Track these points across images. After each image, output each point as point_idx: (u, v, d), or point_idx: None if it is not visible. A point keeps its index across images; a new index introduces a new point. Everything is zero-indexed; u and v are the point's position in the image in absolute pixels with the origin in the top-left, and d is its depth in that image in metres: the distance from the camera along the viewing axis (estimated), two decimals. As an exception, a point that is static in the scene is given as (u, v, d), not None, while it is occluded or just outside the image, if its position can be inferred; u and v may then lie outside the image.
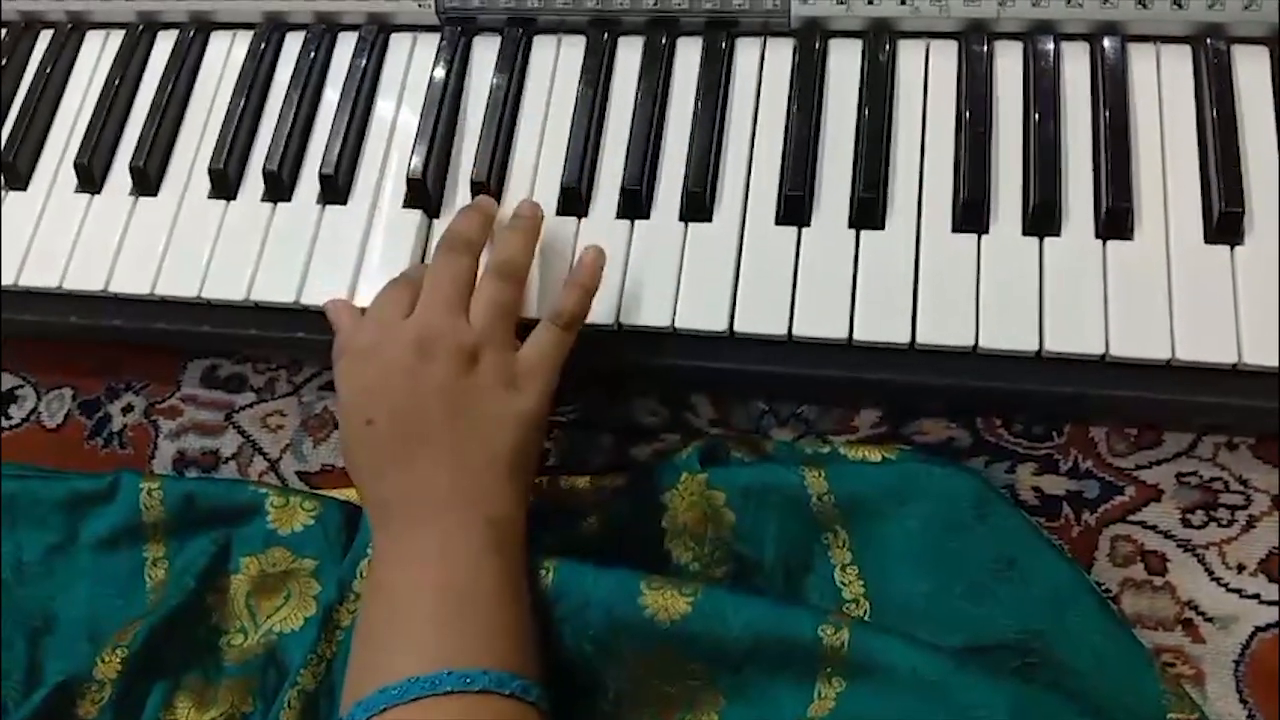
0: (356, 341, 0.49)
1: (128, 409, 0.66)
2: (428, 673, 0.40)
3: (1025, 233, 0.52)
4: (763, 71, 0.58)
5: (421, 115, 0.59)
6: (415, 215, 0.57)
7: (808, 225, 0.54)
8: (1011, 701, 0.40)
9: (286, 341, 0.58)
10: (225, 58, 0.64)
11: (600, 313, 0.53)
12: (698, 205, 0.55)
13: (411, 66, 0.62)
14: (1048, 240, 0.52)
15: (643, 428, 0.60)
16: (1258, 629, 0.52)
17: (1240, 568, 0.53)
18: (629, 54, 0.59)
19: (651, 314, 0.53)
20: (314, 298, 0.56)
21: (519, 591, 0.45)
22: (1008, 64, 0.56)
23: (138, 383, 0.66)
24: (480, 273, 0.51)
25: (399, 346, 0.47)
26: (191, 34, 0.64)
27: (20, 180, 0.63)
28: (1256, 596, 0.52)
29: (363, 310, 0.52)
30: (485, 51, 0.61)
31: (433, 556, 0.44)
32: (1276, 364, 0.48)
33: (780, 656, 0.44)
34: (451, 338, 0.47)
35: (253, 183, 0.60)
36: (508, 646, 0.43)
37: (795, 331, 0.52)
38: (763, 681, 0.44)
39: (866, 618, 0.49)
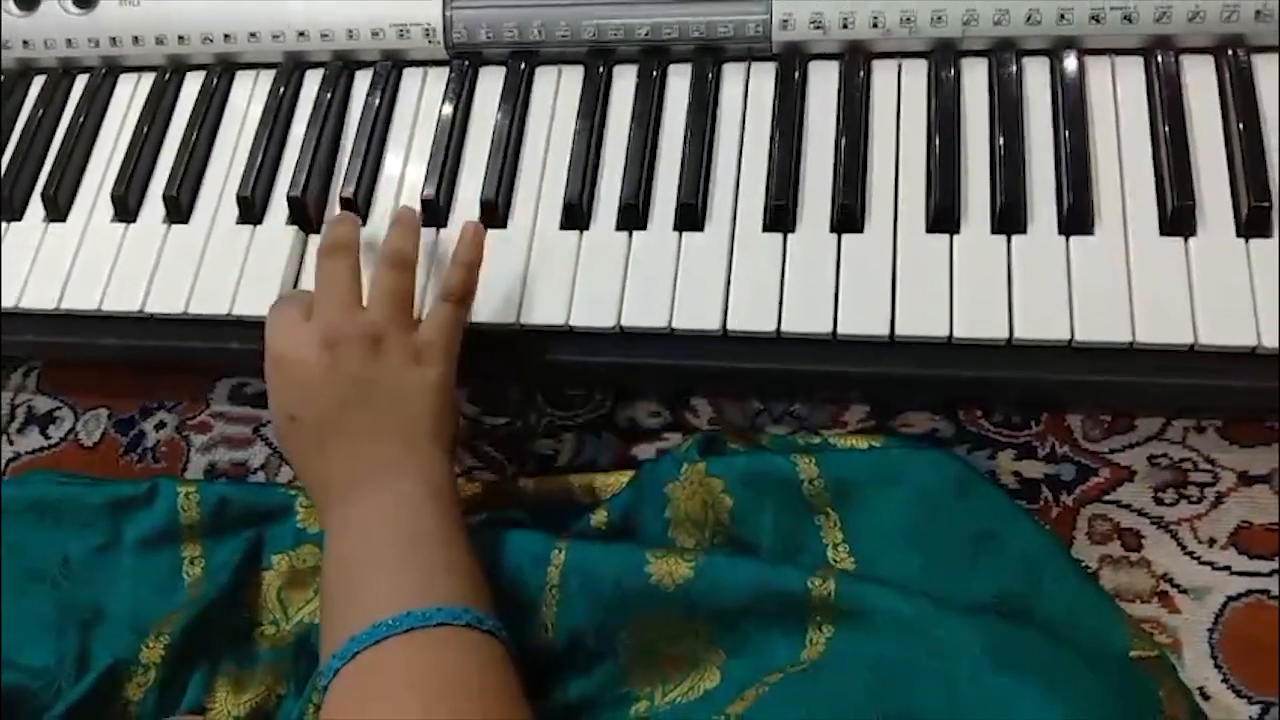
0: (270, 349, 0.53)
1: (160, 425, 0.70)
2: (389, 615, 0.43)
3: (994, 231, 0.55)
4: (748, 93, 0.62)
5: (433, 142, 0.63)
6: (428, 232, 0.61)
7: (793, 231, 0.57)
8: (984, 634, 0.43)
9: (310, 354, 0.62)
10: (250, 95, 0.68)
11: (602, 317, 0.57)
12: (690, 216, 0.58)
13: (423, 98, 0.66)
14: (1015, 238, 0.55)
15: (645, 428, 0.64)
16: (1230, 599, 0.55)
17: (1211, 541, 0.56)
18: (624, 81, 0.63)
19: (650, 316, 0.56)
20: (337, 311, 0.60)
21: (460, 533, 0.49)
22: (974, 79, 0.59)
23: (170, 402, 0.70)
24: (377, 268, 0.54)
25: (307, 346, 0.51)
26: (218, 75, 0.69)
27: (60, 212, 0.67)
28: (1227, 568, 0.55)
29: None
30: (491, 82, 0.65)
31: (374, 515, 0.48)
32: (1231, 344, 0.51)
33: (775, 609, 0.47)
34: (353, 329, 0.51)
35: (278, 208, 0.64)
36: (459, 583, 0.46)
37: (784, 328, 0.55)
38: (760, 635, 0.47)
39: None
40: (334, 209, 0.63)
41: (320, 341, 0.51)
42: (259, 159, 0.65)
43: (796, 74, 0.61)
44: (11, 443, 0.71)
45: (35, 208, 0.68)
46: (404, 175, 0.64)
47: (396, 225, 0.57)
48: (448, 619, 0.44)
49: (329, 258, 0.54)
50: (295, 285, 0.62)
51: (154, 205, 0.66)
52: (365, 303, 0.53)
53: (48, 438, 0.71)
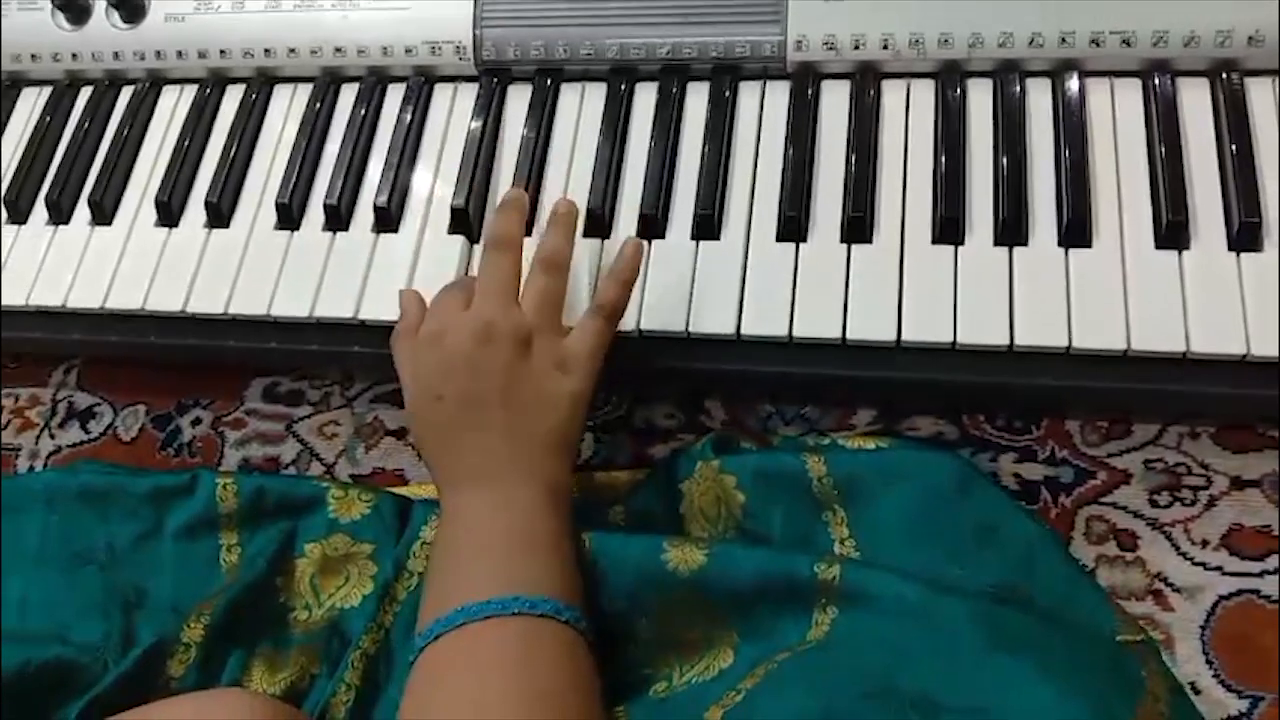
0: (426, 328, 0.55)
1: (196, 422, 0.73)
2: (501, 596, 0.46)
3: (996, 243, 0.58)
4: (763, 110, 0.65)
5: (463, 152, 0.66)
6: (458, 240, 0.64)
7: (804, 241, 0.60)
8: (981, 616, 0.46)
9: (343, 355, 0.65)
10: (288, 107, 0.72)
11: (623, 321, 0.59)
12: (707, 226, 0.61)
13: (454, 112, 0.69)
14: (1016, 249, 0.57)
15: (661, 429, 0.67)
16: (1221, 597, 0.56)
17: (1204, 543, 0.58)
18: (645, 97, 0.66)
19: (668, 321, 0.59)
20: (370, 313, 0.63)
21: (570, 544, 0.51)
22: (979, 99, 0.62)
23: (205, 399, 0.73)
24: (527, 267, 0.57)
25: (464, 333, 0.53)
26: (257, 88, 0.72)
27: (106, 216, 0.70)
28: (1219, 569, 0.57)
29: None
30: (518, 98, 0.68)
31: (501, 507, 0.50)
32: (1222, 353, 0.54)
33: (784, 593, 0.49)
34: (508, 325, 0.53)
35: (314, 214, 0.67)
36: (564, 583, 0.48)
37: (795, 333, 0.58)
38: (770, 618, 0.49)
39: None
40: (367, 215, 0.66)
41: (476, 332, 0.53)
42: (297, 167, 0.68)
43: (810, 92, 0.64)
44: (53, 436, 0.74)
45: (82, 212, 0.71)
46: (434, 185, 0.67)
47: (555, 225, 0.58)
48: (525, 608, 0.46)
49: (494, 250, 0.56)
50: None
51: (196, 210, 0.69)
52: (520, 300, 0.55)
53: (87, 432, 0.74)
